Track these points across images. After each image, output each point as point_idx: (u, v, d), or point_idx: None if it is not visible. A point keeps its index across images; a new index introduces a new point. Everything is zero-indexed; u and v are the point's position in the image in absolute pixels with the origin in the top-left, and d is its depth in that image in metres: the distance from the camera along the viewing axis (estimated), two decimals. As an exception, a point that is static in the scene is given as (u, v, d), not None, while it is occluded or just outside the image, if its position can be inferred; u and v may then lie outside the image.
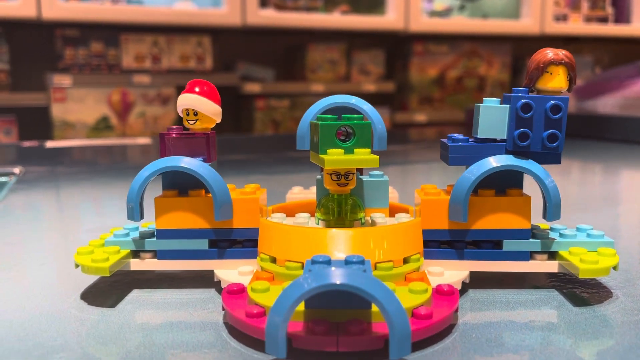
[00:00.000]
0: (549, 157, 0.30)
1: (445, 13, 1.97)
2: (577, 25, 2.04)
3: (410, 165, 0.95)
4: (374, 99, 2.02)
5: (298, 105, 1.89)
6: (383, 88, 1.94)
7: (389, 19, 1.85)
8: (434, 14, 1.97)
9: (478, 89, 2.03)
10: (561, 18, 2.03)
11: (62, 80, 1.62)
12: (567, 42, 2.19)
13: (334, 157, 0.29)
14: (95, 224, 0.51)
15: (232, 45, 1.90)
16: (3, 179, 0.68)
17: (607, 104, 1.14)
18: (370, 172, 0.36)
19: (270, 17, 1.73)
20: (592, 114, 1.17)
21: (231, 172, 0.81)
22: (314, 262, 0.25)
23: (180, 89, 1.74)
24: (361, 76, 1.96)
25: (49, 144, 1.20)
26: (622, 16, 2.11)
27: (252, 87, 1.80)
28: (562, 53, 0.29)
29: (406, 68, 2.00)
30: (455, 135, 0.31)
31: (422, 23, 1.87)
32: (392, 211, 0.36)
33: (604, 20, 2.09)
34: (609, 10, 2.11)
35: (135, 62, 1.72)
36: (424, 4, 1.92)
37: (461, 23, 1.94)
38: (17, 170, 0.73)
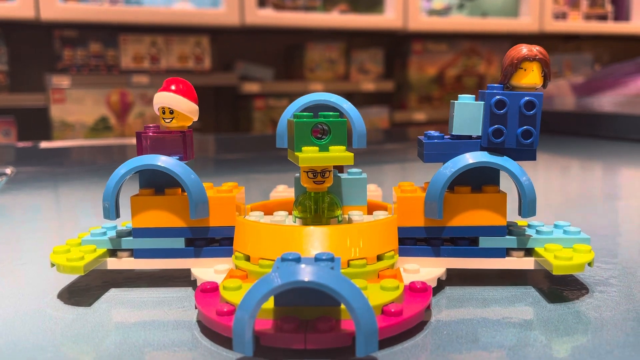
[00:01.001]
0: (524, 153, 0.30)
1: (444, 12, 1.97)
2: (576, 23, 2.04)
3: (409, 163, 0.95)
4: (373, 98, 2.02)
5: (297, 104, 1.89)
6: (382, 87, 1.94)
7: (388, 18, 1.85)
8: (432, 12, 1.96)
9: (477, 88, 2.03)
10: (560, 16, 2.03)
11: (61, 81, 1.63)
12: (567, 40, 2.19)
13: (309, 154, 0.29)
14: (87, 223, 0.51)
15: (230, 45, 1.90)
16: (-7, 179, 0.69)
17: (606, 102, 1.13)
18: (349, 170, 0.36)
19: (269, 16, 1.73)
20: (591, 111, 1.17)
21: (229, 171, 0.81)
22: (283, 259, 0.25)
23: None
24: (360, 75, 1.96)
25: (44, 144, 1.21)
26: (621, 14, 2.11)
27: (251, 87, 1.80)
28: (536, 49, 0.29)
29: (405, 67, 2.00)
30: (432, 132, 0.31)
31: (421, 22, 1.87)
32: (371, 209, 0.36)
33: (603, 17, 2.09)
34: (609, 7, 2.10)
35: (134, 63, 1.72)
36: (423, 3, 1.92)
37: (460, 22, 1.94)
38: (8, 170, 0.73)
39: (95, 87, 1.67)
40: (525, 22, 1.96)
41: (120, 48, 1.71)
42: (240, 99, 1.87)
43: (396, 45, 2.03)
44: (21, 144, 1.21)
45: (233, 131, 1.90)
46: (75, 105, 1.66)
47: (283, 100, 1.87)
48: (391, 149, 1.18)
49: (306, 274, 0.23)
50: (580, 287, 0.31)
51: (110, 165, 0.92)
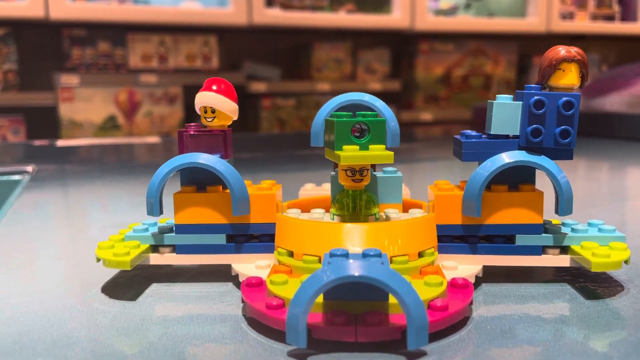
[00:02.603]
0: (561, 152, 0.31)
1: (451, 12, 1.98)
2: (583, 24, 2.04)
3: (417, 163, 0.96)
4: (379, 97, 2.02)
5: (304, 104, 1.90)
6: (389, 87, 1.95)
7: (395, 18, 1.85)
8: (439, 12, 1.97)
9: (484, 88, 2.04)
10: (567, 16, 2.03)
11: (70, 79, 1.63)
12: (574, 40, 2.19)
13: (350, 153, 0.30)
14: (109, 220, 0.52)
15: (238, 44, 1.91)
16: (17, 177, 0.69)
17: (614, 102, 1.14)
18: (384, 169, 0.36)
19: (276, 16, 1.74)
20: (598, 111, 1.17)
21: (238, 170, 0.81)
22: (332, 255, 0.26)
23: (186, 89, 1.76)
24: (367, 75, 1.97)
25: (60, 142, 1.21)
26: (628, 14, 2.11)
27: (258, 86, 1.81)
28: (574, 50, 0.30)
29: (412, 67, 2.01)
30: (468, 131, 0.32)
31: (428, 22, 1.87)
32: (406, 207, 0.37)
33: (610, 18, 2.09)
34: (616, 8, 2.10)
35: (142, 62, 1.73)
36: (430, 3, 1.93)
37: (467, 22, 1.95)
38: (29, 168, 0.74)
39: (104, 86, 1.68)
40: (532, 22, 1.97)
41: (129, 47, 1.71)
42: (247, 99, 1.88)
43: (403, 45, 2.04)
44: (38, 142, 1.22)
45: (240, 130, 1.91)
46: (84, 104, 1.67)
47: (290, 100, 1.88)
48: (399, 148, 1.18)
49: (358, 268, 0.23)
50: (615, 284, 0.32)
51: (127, 164, 0.93)
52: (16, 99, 1.63)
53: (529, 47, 2.11)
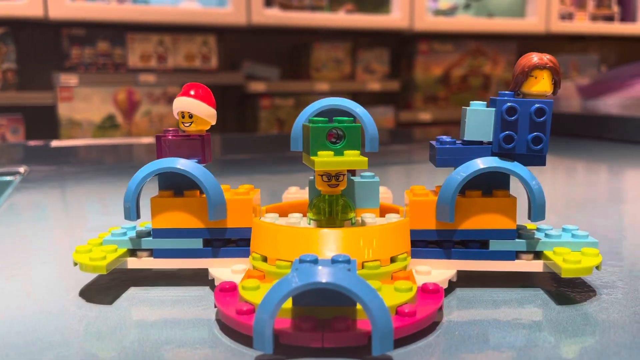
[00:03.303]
0: (534, 159, 0.31)
1: (450, 12, 1.98)
2: (582, 24, 2.04)
3: (414, 165, 0.96)
4: (378, 97, 2.03)
5: (303, 104, 1.90)
6: (388, 87, 1.95)
7: (394, 18, 1.85)
8: (439, 12, 1.97)
9: (483, 88, 2.04)
10: (567, 16, 2.03)
11: (69, 79, 1.64)
12: (573, 41, 2.19)
13: (324, 159, 0.30)
14: (99, 222, 0.52)
15: (237, 44, 1.91)
16: (8, 178, 0.70)
17: (612, 104, 1.14)
18: (362, 174, 0.37)
19: (276, 16, 1.74)
20: (596, 113, 1.17)
21: (235, 171, 0.82)
22: (301, 261, 0.26)
23: (185, 88, 1.76)
24: (366, 75, 1.97)
25: (55, 143, 1.22)
26: (628, 14, 2.11)
27: (257, 86, 1.81)
28: (546, 58, 0.30)
29: (411, 67, 2.01)
30: (444, 137, 0.32)
31: (427, 22, 1.87)
32: (383, 212, 0.37)
33: (609, 18, 2.09)
34: (615, 8, 2.10)
35: (141, 61, 1.73)
36: (429, 3, 1.93)
37: (466, 22, 1.95)
38: (22, 169, 0.74)
39: (103, 85, 1.68)
40: (531, 22, 1.97)
41: (128, 47, 1.72)
42: (246, 98, 1.88)
43: (402, 45, 2.04)
44: (32, 143, 1.22)
45: (239, 130, 1.91)
46: (83, 104, 1.67)
47: (289, 100, 1.88)
48: (397, 149, 1.19)
49: (324, 275, 0.24)
50: (588, 290, 0.32)
51: (120, 165, 0.93)
52: (15, 99, 1.63)
53: (528, 47, 2.11)
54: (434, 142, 0.32)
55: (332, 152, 0.31)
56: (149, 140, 1.33)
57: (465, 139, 0.31)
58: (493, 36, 2.02)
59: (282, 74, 1.94)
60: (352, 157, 0.30)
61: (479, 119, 0.31)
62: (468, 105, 0.31)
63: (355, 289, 0.23)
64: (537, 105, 0.30)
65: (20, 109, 1.67)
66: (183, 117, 0.33)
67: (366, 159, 0.30)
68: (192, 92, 0.33)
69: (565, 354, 0.25)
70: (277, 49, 1.98)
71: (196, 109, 0.33)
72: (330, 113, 0.36)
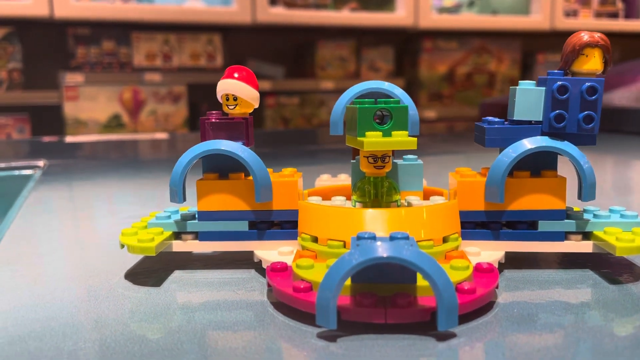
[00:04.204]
0: (584, 138, 0.31)
1: (454, 9, 1.98)
2: (587, 21, 2.04)
3: (424, 157, 0.96)
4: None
5: (308, 102, 1.90)
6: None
7: (399, 16, 1.85)
8: (443, 10, 1.97)
9: (488, 86, 2.04)
10: (571, 14, 2.03)
11: (74, 78, 1.64)
12: (577, 38, 2.18)
13: (373, 139, 0.30)
14: (127, 212, 0.52)
15: (242, 43, 1.91)
16: (29, 172, 0.70)
17: (621, 97, 1.14)
18: (404, 156, 0.36)
19: (280, 14, 1.74)
20: (606, 106, 1.17)
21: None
22: (359, 237, 0.26)
23: (191, 87, 1.76)
24: (371, 73, 1.97)
25: (69, 138, 1.22)
26: (632, 11, 2.11)
27: (262, 85, 1.81)
28: (597, 35, 0.30)
29: (415, 64, 2.01)
30: (491, 118, 0.32)
31: (432, 19, 1.87)
32: (426, 195, 0.37)
33: (614, 15, 2.09)
34: (619, 5, 2.10)
35: (147, 61, 1.73)
36: (434, 1, 1.93)
37: (470, 19, 1.95)
38: (41, 163, 0.74)
39: (108, 84, 1.68)
40: (536, 19, 1.97)
41: (133, 46, 1.72)
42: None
43: (407, 43, 2.04)
44: (47, 139, 1.22)
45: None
46: (89, 103, 1.67)
47: (294, 98, 1.88)
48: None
49: (387, 250, 0.23)
50: (636, 271, 0.32)
51: (138, 159, 0.93)
52: (21, 98, 1.63)
53: (532, 44, 2.11)
54: (480, 123, 0.32)
55: (380, 133, 0.30)
56: (162, 135, 1.32)
57: (514, 118, 0.31)
58: (497, 33, 2.02)
59: (286, 72, 1.94)
60: (401, 137, 0.30)
61: (528, 98, 0.30)
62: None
63: (421, 263, 0.23)
64: (588, 84, 0.30)
65: (26, 108, 1.67)
66: (227, 100, 0.33)
67: (415, 139, 0.30)
68: (236, 75, 0.32)
69: (619, 333, 0.25)
70: (282, 48, 1.98)
71: (240, 91, 0.32)
72: (369, 97, 0.36)
